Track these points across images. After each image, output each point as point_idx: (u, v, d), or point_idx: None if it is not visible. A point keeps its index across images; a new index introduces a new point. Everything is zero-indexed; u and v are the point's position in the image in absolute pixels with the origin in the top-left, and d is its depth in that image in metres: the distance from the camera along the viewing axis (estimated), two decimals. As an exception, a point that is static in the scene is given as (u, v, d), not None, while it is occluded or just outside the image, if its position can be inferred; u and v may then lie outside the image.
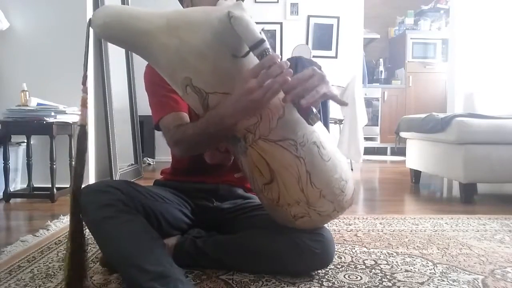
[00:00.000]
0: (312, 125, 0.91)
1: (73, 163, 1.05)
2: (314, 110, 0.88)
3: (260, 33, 0.92)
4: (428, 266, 1.27)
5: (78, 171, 1.03)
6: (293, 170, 0.96)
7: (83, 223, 1.05)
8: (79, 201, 1.02)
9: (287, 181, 0.98)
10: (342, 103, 1.00)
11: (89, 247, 1.40)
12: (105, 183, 1.08)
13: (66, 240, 1.03)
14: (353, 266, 1.26)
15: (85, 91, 1.03)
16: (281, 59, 0.87)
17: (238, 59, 0.91)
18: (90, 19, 0.97)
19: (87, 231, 1.05)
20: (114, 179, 2.77)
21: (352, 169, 3.93)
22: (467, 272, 1.22)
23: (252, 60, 0.90)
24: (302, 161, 0.96)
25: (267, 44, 0.86)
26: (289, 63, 0.87)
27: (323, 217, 1.04)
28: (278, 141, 0.95)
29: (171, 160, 1.37)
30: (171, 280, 0.92)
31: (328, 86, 0.92)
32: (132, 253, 0.96)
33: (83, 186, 1.05)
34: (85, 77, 1.03)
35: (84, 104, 1.04)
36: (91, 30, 0.98)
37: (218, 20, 0.88)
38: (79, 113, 1.06)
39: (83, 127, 1.04)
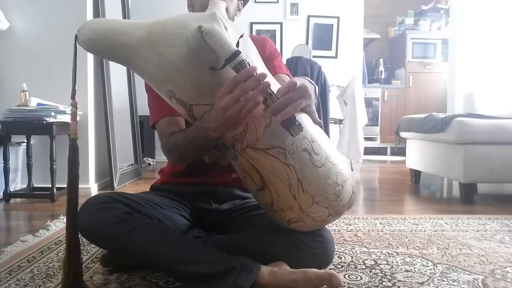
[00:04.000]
0: (294, 136, 0.89)
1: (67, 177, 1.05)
2: (297, 121, 0.86)
3: (238, 42, 0.90)
4: (428, 266, 1.27)
5: (74, 185, 1.03)
6: (283, 177, 0.95)
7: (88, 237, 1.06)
8: (76, 218, 1.02)
9: (278, 188, 0.97)
10: (318, 123, 0.98)
11: (90, 247, 1.41)
12: (98, 200, 1.07)
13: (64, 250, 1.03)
14: (353, 266, 1.26)
15: (74, 105, 1.03)
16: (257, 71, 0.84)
17: (216, 72, 0.88)
18: (76, 35, 0.97)
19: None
20: (114, 179, 2.77)
21: (352, 169, 3.93)
22: (467, 272, 1.22)
23: (232, 70, 0.87)
24: (292, 169, 0.95)
25: (242, 56, 0.83)
26: (266, 75, 0.84)
27: (317, 222, 1.04)
28: (266, 150, 0.94)
29: (167, 162, 1.37)
30: (231, 259, 0.98)
31: (308, 100, 0.90)
32: (176, 250, 0.98)
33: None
34: (73, 92, 1.02)
35: (74, 118, 1.04)
36: (78, 45, 0.99)
37: (191, 35, 0.86)
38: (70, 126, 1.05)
39: (74, 141, 1.04)
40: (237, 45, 0.90)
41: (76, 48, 0.99)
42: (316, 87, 1.00)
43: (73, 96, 1.03)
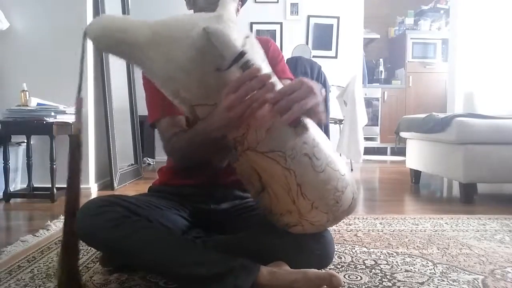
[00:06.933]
0: (300, 136, 0.89)
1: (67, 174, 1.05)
2: (303, 120, 0.86)
3: (244, 43, 0.91)
4: (428, 266, 1.27)
5: (75, 183, 1.03)
6: (283, 182, 0.95)
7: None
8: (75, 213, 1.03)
9: (277, 192, 0.97)
10: (322, 123, 0.97)
11: (89, 247, 1.40)
12: (96, 204, 1.05)
13: (59, 247, 1.03)
14: (353, 266, 1.26)
15: (79, 101, 1.04)
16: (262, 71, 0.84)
17: (222, 72, 0.89)
18: (85, 31, 0.98)
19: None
20: (114, 179, 2.77)
21: (352, 169, 3.93)
22: (467, 272, 1.22)
23: (237, 72, 0.88)
24: (292, 173, 0.94)
25: (247, 57, 0.84)
26: (271, 76, 0.84)
27: (316, 227, 1.03)
28: (266, 153, 0.93)
29: (166, 160, 1.37)
30: (230, 260, 0.97)
31: (315, 99, 0.89)
32: (175, 253, 0.98)
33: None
34: (80, 88, 1.03)
35: (79, 108, 1.04)
36: (85, 41, 0.99)
37: (197, 35, 0.87)
38: (74, 120, 1.05)
39: (76, 137, 1.05)
40: (243, 46, 0.91)
41: (84, 44, 1.00)
42: (323, 89, 1.00)
43: (79, 92, 1.03)
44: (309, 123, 0.98)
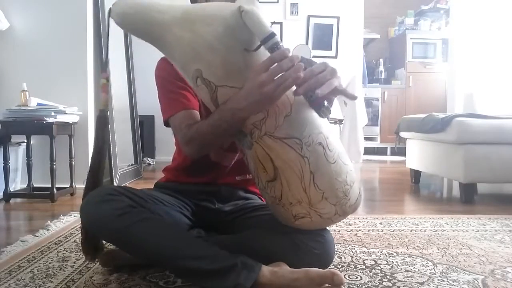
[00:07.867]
0: (324, 117, 0.93)
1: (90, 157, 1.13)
2: (326, 103, 0.90)
3: (271, 26, 0.95)
4: (428, 266, 1.27)
5: (100, 161, 1.12)
6: (297, 169, 0.96)
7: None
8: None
9: (290, 179, 0.98)
10: (353, 97, 1.02)
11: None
12: (103, 192, 1.05)
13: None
14: (353, 266, 1.26)
15: (105, 77, 1.12)
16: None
17: (249, 53, 0.93)
18: (110, 9, 1.02)
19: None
20: (114, 179, 2.77)
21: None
22: (467, 272, 1.22)
23: (264, 54, 0.92)
24: (306, 161, 0.96)
25: (277, 38, 0.88)
26: (300, 57, 0.88)
27: (324, 220, 1.03)
28: (283, 139, 0.96)
29: (172, 160, 1.37)
30: (232, 257, 0.98)
31: (339, 80, 0.94)
32: (178, 245, 0.98)
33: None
34: (105, 64, 1.12)
35: (104, 90, 1.11)
36: (110, 20, 1.04)
37: (230, 14, 0.90)
38: (101, 97, 1.15)
39: (103, 112, 1.11)
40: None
41: (109, 23, 1.04)
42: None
43: (104, 69, 1.10)
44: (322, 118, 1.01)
